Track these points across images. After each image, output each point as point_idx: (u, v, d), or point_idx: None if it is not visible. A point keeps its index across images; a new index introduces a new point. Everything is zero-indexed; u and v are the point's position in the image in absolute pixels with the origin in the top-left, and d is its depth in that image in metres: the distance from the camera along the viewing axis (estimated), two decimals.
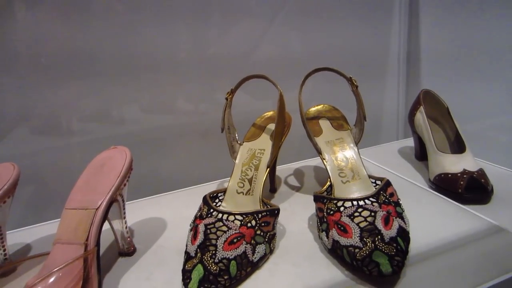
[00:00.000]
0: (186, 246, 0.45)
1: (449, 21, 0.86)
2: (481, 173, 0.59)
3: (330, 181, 0.53)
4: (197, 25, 0.77)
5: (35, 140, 0.72)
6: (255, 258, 0.44)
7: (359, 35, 0.92)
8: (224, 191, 0.54)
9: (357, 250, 0.41)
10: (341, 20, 0.89)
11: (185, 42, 0.78)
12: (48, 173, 0.74)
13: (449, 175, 0.60)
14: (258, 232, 0.45)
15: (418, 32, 0.95)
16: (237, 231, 0.44)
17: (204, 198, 0.50)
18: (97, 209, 0.43)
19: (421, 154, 0.74)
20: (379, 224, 0.42)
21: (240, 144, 0.61)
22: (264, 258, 0.45)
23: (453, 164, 0.61)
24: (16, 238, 0.56)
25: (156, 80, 0.77)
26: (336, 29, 0.89)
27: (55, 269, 0.38)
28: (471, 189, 0.57)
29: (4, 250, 0.47)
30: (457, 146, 0.67)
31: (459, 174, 0.59)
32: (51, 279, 0.38)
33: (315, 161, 0.77)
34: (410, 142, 0.81)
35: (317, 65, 0.59)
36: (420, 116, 0.70)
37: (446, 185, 0.60)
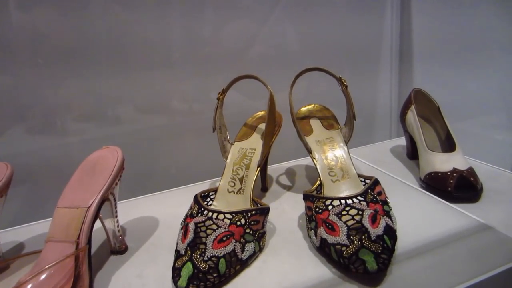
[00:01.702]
0: (177, 244, 0.46)
1: (442, 16, 0.86)
2: (471, 171, 0.60)
3: (320, 180, 0.54)
4: (191, 22, 0.78)
5: (28, 139, 0.72)
6: (244, 256, 0.44)
7: (351, 29, 0.92)
8: (215, 190, 0.55)
9: (344, 248, 0.42)
10: (334, 14, 0.90)
11: (179, 41, 0.78)
12: (41, 173, 0.74)
13: (439, 174, 0.61)
14: (248, 230, 0.46)
15: (410, 27, 0.95)
16: (226, 230, 0.44)
17: (195, 197, 0.51)
18: (88, 208, 0.43)
19: (412, 153, 0.75)
20: (366, 222, 0.43)
21: (232, 144, 0.62)
22: (253, 256, 0.46)
23: (443, 162, 0.62)
24: (8, 236, 0.57)
25: (151, 80, 0.78)
26: (329, 24, 0.89)
27: (47, 266, 0.38)
28: (460, 188, 0.58)
29: None
30: (448, 145, 0.67)
31: (449, 173, 0.60)
32: (43, 276, 0.38)
33: (306, 161, 0.78)
34: (403, 140, 0.82)
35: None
36: (411, 115, 0.71)
37: (436, 183, 0.61)
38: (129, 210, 0.61)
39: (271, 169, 0.72)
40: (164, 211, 0.62)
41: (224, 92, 0.60)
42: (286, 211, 0.58)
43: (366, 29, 0.95)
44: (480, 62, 0.79)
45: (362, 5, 0.93)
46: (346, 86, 0.56)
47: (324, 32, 0.89)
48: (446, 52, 0.86)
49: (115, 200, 0.49)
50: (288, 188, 0.67)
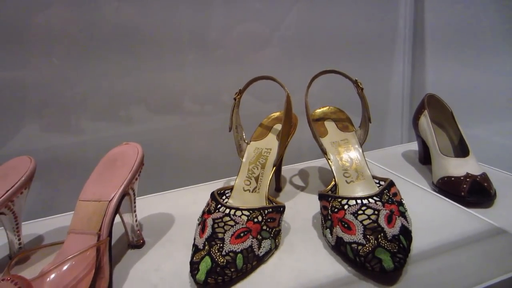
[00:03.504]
0: (194, 239, 0.47)
1: (456, 9, 0.86)
2: (484, 177, 0.60)
3: (335, 180, 0.55)
4: (204, 23, 0.79)
5: (44, 136, 0.73)
6: (261, 252, 0.45)
7: (362, 24, 0.93)
8: (231, 189, 0.56)
9: (360, 247, 0.42)
10: (346, 8, 0.90)
11: (192, 42, 0.80)
12: (56, 169, 0.75)
13: (452, 178, 0.61)
14: (264, 227, 0.47)
15: (423, 25, 0.95)
16: (244, 226, 0.45)
17: (212, 194, 0.52)
18: (110, 201, 0.44)
19: (424, 158, 0.75)
20: (382, 222, 0.44)
21: (247, 143, 0.63)
22: (269, 253, 0.47)
23: (457, 167, 0.62)
24: (29, 229, 0.58)
25: (163, 80, 0.79)
26: (340, 14, 0.90)
27: (70, 257, 0.39)
28: (474, 193, 0.58)
29: (19, 239, 0.49)
30: (461, 150, 0.68)
31: (462, 178, 0.60)
32: (65, 266, 0.39)
33: (320, 162, 0.79)
34: (413, 146, 0.82)
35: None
36: (424, 120, 0.72)
37: (449, 188, 0.61)
38: (144, 207, 0.62)
39: (285, 170, 0.73)
40: (179, 208, 0.63)
41: (241, 92, 0.61)
42: (300, 210, 0.58)
43: (377, 26, 0.95)
44: (494, 61, 0.79)
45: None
46: (362, 89, 0.57)
47: (336, 27, 0.89)
48: (460, 50, 0.85)
49: (134, 195, 0.50)
50: (302, 189, 0.67)
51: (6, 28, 0.66)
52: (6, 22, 0.66)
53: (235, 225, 0.45)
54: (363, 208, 0.46)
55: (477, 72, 0.82)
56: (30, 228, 0.58)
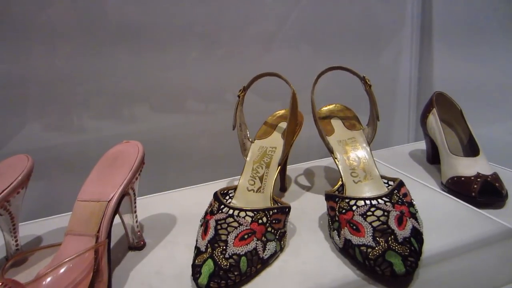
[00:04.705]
0: (196, 241, 0.45)
1: (464, 5, 0.84)
2: (495, 177, 0.58)
3: (342, 180, 0.53)
4: (209, 22, 0.78)
5: (45, 136, 0.72)
6: (266, 255, 0.43)
7: (370, 17, 0.91)
8: (234, 188, 0.54)
9: (369, 250, 0.40)
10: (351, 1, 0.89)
11: (196, 41, 0.78)
12: (57, 169, 0.74)
13: (462, 178, 0.59)
14: (269, 229, 0.45)
15: (431, 16, 0.93)
16: (248, 227, 0.44)
17: (215, 194, 0.50)
18: (109, 201, 0.43)
19: (433, 157, 0.73)
20: (393, 223, 0.42)
21: (252, 142, 0.61)
22: (274, 256, 0.45)
23: (467, 167, 0.60)
24: (27, 230, 0.56)
25: (166, 79, 0.78)
26: (346, 10, 0.88)
27: (66, 260, 0.38)
28: (485, 193, 0.56)
29: (16, 241, 0.48)
30: (471, 149, 0.66)
31: (472, 178, 0.58)
32: (62, 270, 0.38)
33: (326, 161, 0.77)
34: (421, 145, 0.80)
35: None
36: (433, 119, 0.70)
37: (459, 188, 0.59)
38: (145, 207, 0.60)
39: (290, 169, 0.71)
40: (180, 209, 0.61)
41: (245, 89, 0.59)
42: (306, 211, 0.57)
43: (383, 21, 0.93)
44: (505, 57, 0.76)
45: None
46: (370, 86, 0.55)
47: (341, 23, 0.88)
48: (469, 46, 0.83)
49: (135, 195, 0.48)
50: (308, 189, 0.66)
51: (8, 26, 0.65)
52: (8, 20, 0.64)
53: (238, 226, 0.44)
54: (372, 209, 0.44)
55: (487, 69, 0.81)
56: (29, 229, 0.57)
